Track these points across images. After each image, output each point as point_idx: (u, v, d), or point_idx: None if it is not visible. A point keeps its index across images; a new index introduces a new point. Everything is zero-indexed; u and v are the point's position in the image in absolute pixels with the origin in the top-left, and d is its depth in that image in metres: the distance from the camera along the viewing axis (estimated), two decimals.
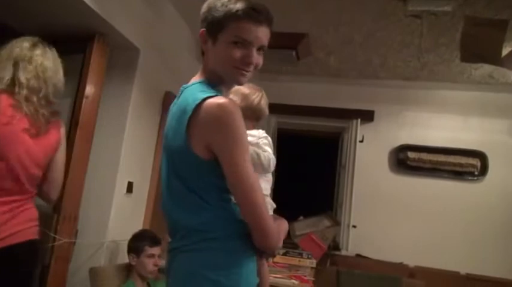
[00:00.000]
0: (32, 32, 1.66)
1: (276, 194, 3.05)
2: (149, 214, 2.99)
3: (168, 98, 3.05)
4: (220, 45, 1.08)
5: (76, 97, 2.40)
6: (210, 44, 1.10)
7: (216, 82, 1.12)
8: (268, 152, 1.30)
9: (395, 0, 2.53)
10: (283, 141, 4.11)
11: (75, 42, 2.47)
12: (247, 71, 1.09)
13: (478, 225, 3.78)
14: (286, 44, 3.24)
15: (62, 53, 2.55)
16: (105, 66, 2.53)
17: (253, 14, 1.04)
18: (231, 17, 1.04)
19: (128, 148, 2.67)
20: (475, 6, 2.55)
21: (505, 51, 2.49)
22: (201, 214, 1.05)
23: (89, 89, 2.42)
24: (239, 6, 1.04)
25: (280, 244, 1.12)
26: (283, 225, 1.20)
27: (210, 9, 1.09)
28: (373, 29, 3.11)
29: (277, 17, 1.16)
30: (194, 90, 1.08)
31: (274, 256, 1.26)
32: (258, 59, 1.10)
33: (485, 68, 3.51)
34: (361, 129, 4.01)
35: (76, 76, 2.44)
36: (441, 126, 4.02)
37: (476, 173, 3.88)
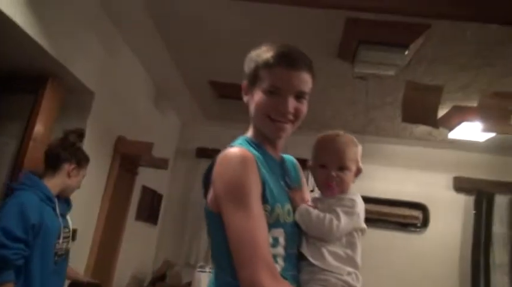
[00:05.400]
0: None
1: None
2: (92, 262, 2.84)
3: (120, 143, 3.00)
4: (255, 96, 1.02)
5: (23, 139, 2.30)
6: (249, 98, 1.06)
7: (260, 139, 1.06)
8: (333, 218, 1.04)
9: (346, 62, 2.72)
10: None
11: (26, 82, 2.41)
12: (283, 122, 1.00)
13: (420, 275, 3.91)
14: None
15: (11, 91, 2.47)
16: (57, 109, 2.47)
17: (285, 59, 0.97)
18: (263, 65, 0.99)
19: (74, 194, 2.56)
20: (415, 71, 2.80)
21: (440, 113, 2.71)
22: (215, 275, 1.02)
23: (38, 131, 2.33)
24: (271, 53, 0.99)
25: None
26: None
27: (247, 61, 1.05)
28: (325, 86, 3.29)
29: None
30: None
31: None
32: (298, 106, 1.00)
33: (425, 126, 3.77)
34: (312, 179, 4.09)
35: (24, 117, 2.35)
36: (387, 178, 4.22)
37: (418, 224, 4.06)
